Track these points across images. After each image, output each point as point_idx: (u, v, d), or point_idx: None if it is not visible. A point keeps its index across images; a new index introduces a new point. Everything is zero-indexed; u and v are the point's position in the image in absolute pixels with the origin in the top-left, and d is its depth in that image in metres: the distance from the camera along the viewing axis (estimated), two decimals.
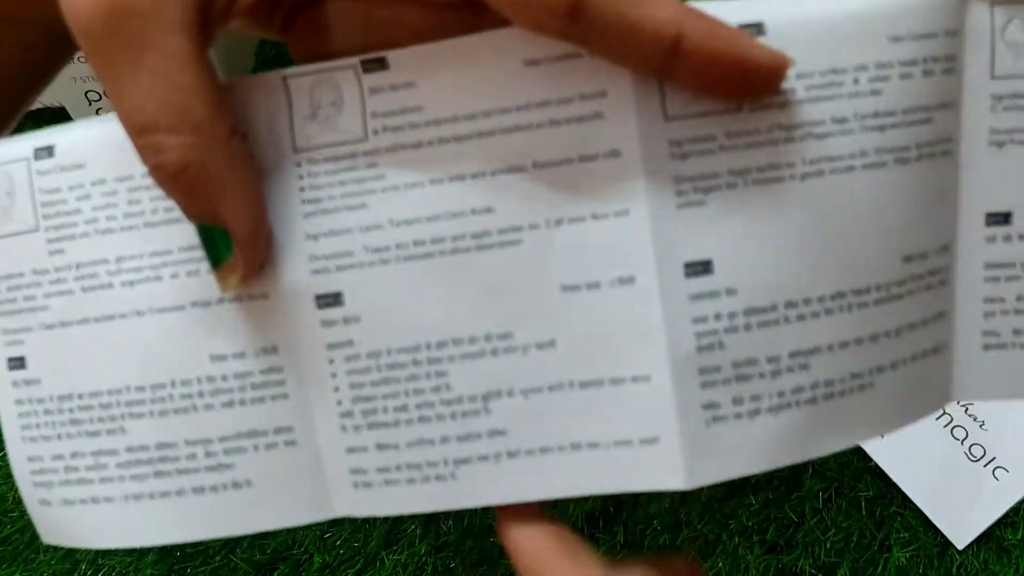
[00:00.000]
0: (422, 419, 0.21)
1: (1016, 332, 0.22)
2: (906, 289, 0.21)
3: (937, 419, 0.48)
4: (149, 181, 0.21)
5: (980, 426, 0.47)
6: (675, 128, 0.20)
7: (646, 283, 0.20)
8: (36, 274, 0.22)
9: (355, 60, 0.20)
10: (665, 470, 0.20)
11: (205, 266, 0.21)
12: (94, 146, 0.22)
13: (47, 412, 0.22)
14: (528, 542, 0.21)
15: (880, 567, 0.44)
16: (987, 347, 0.22)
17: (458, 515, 0.47)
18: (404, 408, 0.21)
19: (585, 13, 0.17)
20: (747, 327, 0.20)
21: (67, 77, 0.55)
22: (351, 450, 0.21)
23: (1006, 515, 0.45)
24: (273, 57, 0.60)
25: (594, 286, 0.20)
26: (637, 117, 0.20)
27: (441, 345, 0.21)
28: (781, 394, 0.21)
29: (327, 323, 0.21)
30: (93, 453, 0.22)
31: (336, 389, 0.21)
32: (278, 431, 0.21)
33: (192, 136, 0.18)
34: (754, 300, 0.20)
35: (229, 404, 0.21)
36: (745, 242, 0.20)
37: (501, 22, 0.19)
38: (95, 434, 0.22)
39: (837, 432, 0.21)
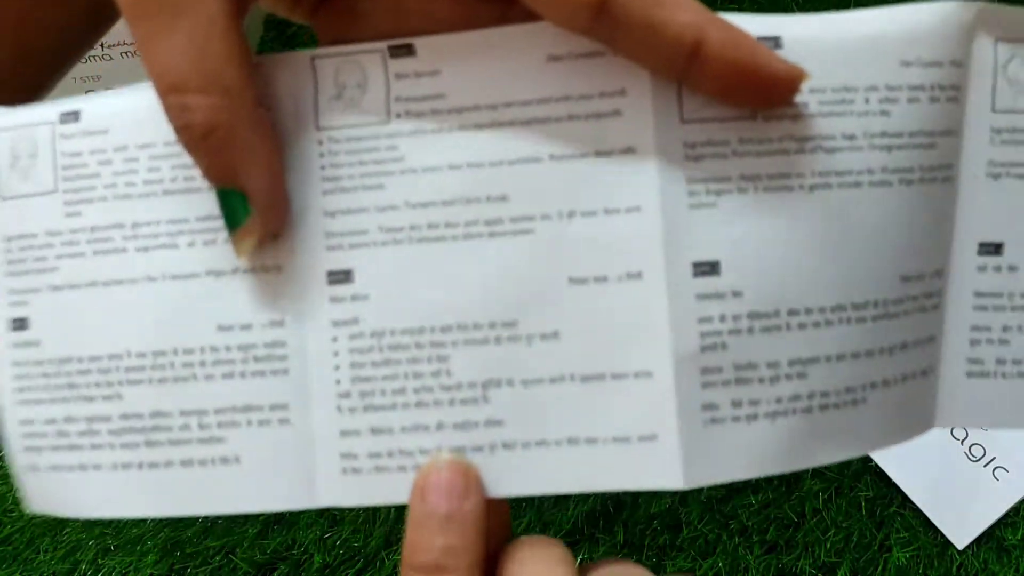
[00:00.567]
0: (419, 404, 0.21)
1: (999, 361, 0.23)
2: (902, 308, 0.22)
3: None
4: (170, 150, 0.21)
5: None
6: (690, 130, 0.20)
7: (654, 279, 0.20)
8: (49, 235, 0.22)
9: (383, 45, 0.21)
10: (663, 469, 0.20)
11: (222, 235, 0.21)
12: (119, 113, 0.22)
13: (44, 375, 0.22)
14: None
15: (880, 567, 0.44)
16: (970, 374, 0.23)
17: None
18: (402, 391, 0.21)
19: (611, 11, 0.18)
20: (750, 330, 0.20)
21: (67, 76, 0.55)
22: (344, 433, 0.21)
23: (1006, 515, 0.45)
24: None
25: (602, 280, 0.21)
26: (654, 117, 0.20)
27: (445, 329, 0.21)
28: (779, 400, 0.21)
29: (336, 300, 0.21)
30: (87, 419, 0.22)
31: (336, 368, 0.21)
32: (273, 407, 0.21)
33: (221, 98, 0.19)
34: (758, 304, 0.20)
35: (229, 375, 0.21)
36: (753, 246, 0.20)
37: (528, 16, 0.20)
38: (90, 399, 0.22)
39: (828, 445, 0.21)
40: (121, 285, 0.22)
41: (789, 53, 0.20)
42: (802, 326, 0.21)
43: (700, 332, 0.20)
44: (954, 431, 0.47)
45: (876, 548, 0.45)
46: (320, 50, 0.21)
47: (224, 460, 0.22)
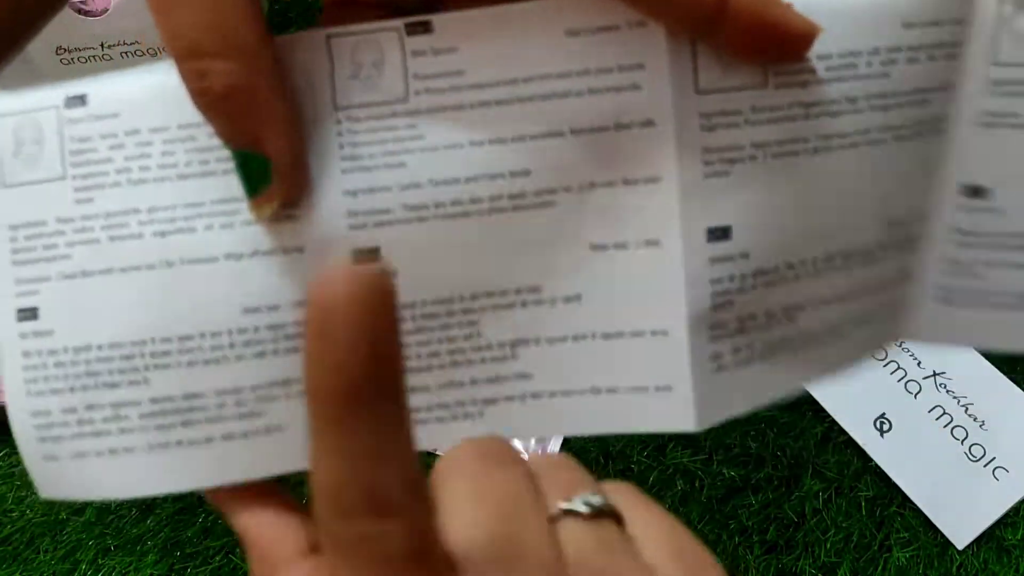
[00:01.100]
0: (454, 363, 0.22)
1: (971, 292, 0.24)
2: (887, 252, 0.23)
3: (937, 419, 0.48)
4: (184, 133, 0.21)
5: (980, 426, 0.47)
6: (705, 101, 0.21)
7: (671, 246, 0.21)
8: (60, 222, 0.22)
9: (399, 22, 0.21)
10: (678, 414, 0.22)
11: (239, 218, 0.21)
12: (129, 96, 0.22)
13: (58, 364, 0.22)
14: (259, 528, 0.21)
15: (880, 567, 0.44)
16: (939, 299, 0.24)
17: None
18: (436, 354, 0.22)
19: None
20: (754, 287, 0.22)
21: (68, 77, 0.55)
22: None
23: (1006, 515, 0.45)
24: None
25: (622, 246, 0.21)
26: (672, 89, 0.21)
27: (474, 297, 0.22)
28: (770, 344, 0.22)
29: None
30: (112, 405, 0.22)
31: None
32: None
33: (238, 61, 0.18)
34: (763, 262, 0.22)
35: (261, 355, 0.22)
36: (760, 210, 0.21)
37: None
38: (114, 385, 0.22)
39: (811, 373, 0.23)
40: (139, 271, 0.22)
41: None
42: (797, 277, 0.22)
43: (712, 293, 0.21)
44: (954, 431, 0.47)
45: (876, 548, 0.44)
46: (336, 28, 0.21)
47: (267, 430, 0.22)
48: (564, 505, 0.20)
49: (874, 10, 0.21)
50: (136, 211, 0.22)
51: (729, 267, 0.21)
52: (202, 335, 0.22)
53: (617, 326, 0.22)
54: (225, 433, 0.22)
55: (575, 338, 0.22)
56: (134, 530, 0.47)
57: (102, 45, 0.52)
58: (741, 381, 0.22)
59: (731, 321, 0.22)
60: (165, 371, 0.22)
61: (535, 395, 0.22)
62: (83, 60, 0.53)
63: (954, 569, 0.44)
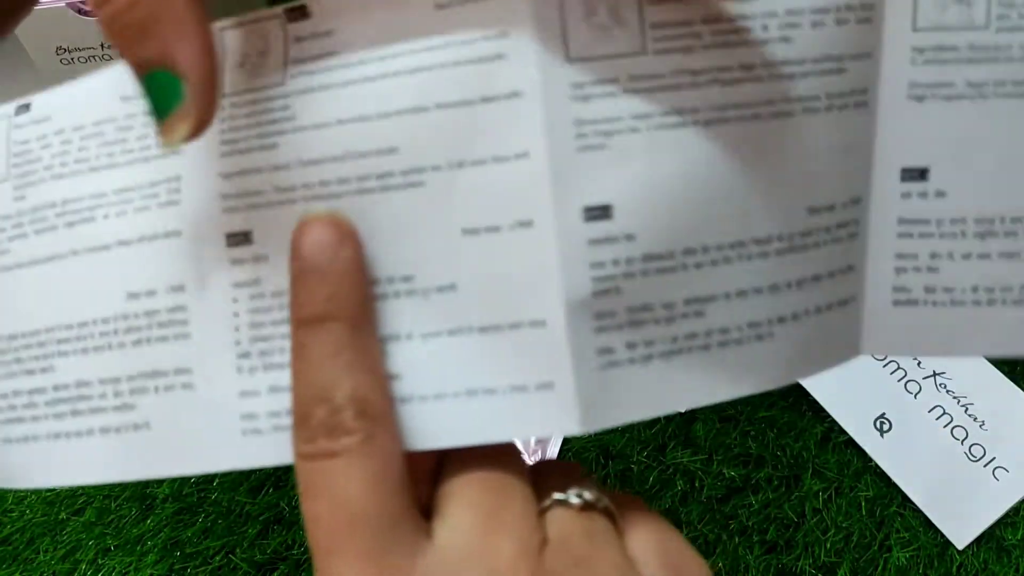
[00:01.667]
0: None
1: (928, 289, 0.22)
2: (812, 240, 0.21)
3: (937, 419, 0.48)
4: (97, 129, 0.22)
5: (980, 426, 0.47)
6: (577, 70, 0.20)
7: (544, 227, 0.20)
8: (2, 220, 0.23)
9: (280, 10, 0.21)
10: (560, 415, 0.20)
11: (132, 206, 0.22)
12: (61, 100, 0.23)
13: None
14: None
15: (880, 567, 0.44)
16: (897, 303, 0.22)
17: None
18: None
19: None
20: (644, 273, 0.20)
21: (67, 77, 0.55)
22: (244, 394, 0.21)
23: (1006, 515, 0.45)
24: None
25: (494, 229, 0.20)
26: (538, 57, 0.20)
27: None
28: (674, 339, 0.20)
29: (236, 261, 0.21)
30: (28, 391, 0.23)
31: (236, 329, 0.21)
32: (178, 372, 0.21)
33: None
34: (652, 246, 0.20)
35: (137, 343, 0.22)
36: (646, 188, 0.20)
37: None
38: (31, 372, 0.23)
39: (732, 379, 0.21)
40: (52, 261, 0.22)
41: None
42: (699, 265, 0.20)
43: (592, 278, 0.20)
44: (954, 431, 0.47)
45: (876, 548, 0.44)
46: (225, 20, 0.21)
47: (136, 426, 0.22)
48: (557, 496, 0.20)
49: None
50: (53, 204, 0.22)
51: (611, 250, 0.20)
52: (95, 321, 0.22)
53: (494, 318, 0.20)
54: (103, 426, 0.22)
55: (450, 332, 0.20)
56: (134, 530, 0.47)
57: (102, 45, 0.52)
58: (640, 381, 0.20)
59: (620, 311, 0.20)
60: (66, 358, 0.22)
61: (405, 399, 0.20)
62: (83, 60, 0.53)
63: (954, 569, 0.44)
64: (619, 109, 0.20)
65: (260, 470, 0.48)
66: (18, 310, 0.23)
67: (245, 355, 0.21)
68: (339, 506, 0.18)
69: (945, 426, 0.47)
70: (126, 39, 0.18)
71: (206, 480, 0.48)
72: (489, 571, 0.18)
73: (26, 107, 0.23)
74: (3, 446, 0.23)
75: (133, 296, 0.22)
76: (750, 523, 0.45)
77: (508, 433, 0.20)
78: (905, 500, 0.46)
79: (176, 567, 0.46)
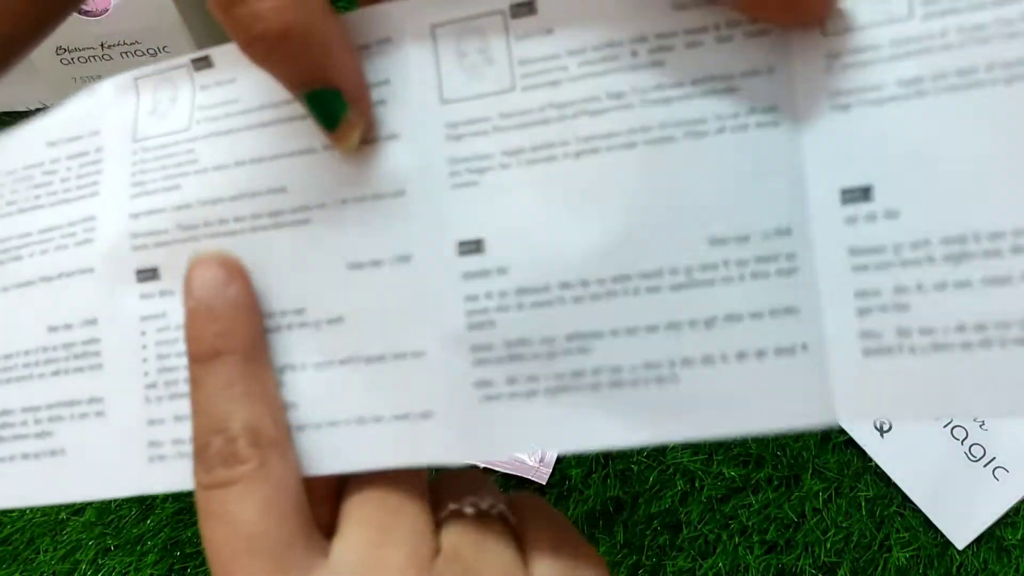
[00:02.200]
0: None
1: (902, 332, 0.18)
2: (719, 275, 0.19)
3: (937, 419, 0.48)
4: (27, 172, 0.24)
5: (980, 426, 0.47)
6: (451, 110, 0.21)
7: (421, 261, 0.21)
8: None
9: (187, 59, 0.22)
10: (440, 444, 0.21)
11: (53, 244, 0.23)
12: (5, 143, 0.25)
13: None
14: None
15: (880, 567, 0.44)
16: (868, 352, 0.19)
17: None
18: None
19: None
20: (519, 306, 0.20)
21: (67, 77, 0.55)
22: (151, 422, 0.22)
23: (1006, 515, 0.45)
24: None
25: (377, 264, 0.21)
26: (417, 101, 0.21)
27: None
28: (559, 376, 0.20)
29: (145, 296, 0.22)
30: None
31: (145, 360, 0.22)
32: (91, 400, 0.23)
33: None
34: (527, 280, 0.20)
35: (56, 373, 0.23)
36: (518, 222, 0.20)
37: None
38: None
39: (633, 423, 0.20)
40: None
41: (545, 13, 0.20)
42: (578, 299, 0.20)
43: (466, 311, 0.20)
44: (954, 431, 0.47)
45: (876, 548, 0.44)
46: (142, 70, 0.23)
47: (52, 453, 0.23)
48: (452, 506, 0.21)
49: None
50: None
51: (484, 283, 0.20)
52: (19, 353, 0.24)
53: (379, 349, 0.21)
54: (24, 452, 0.23)
55: (341, 362, 0.21)
56: (134, 530, 0.47)
57: (102, 45, 0.52)
58: (523, 416, 0.20)
59: (497, 344, 0.20)
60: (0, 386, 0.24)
61: (300, 427, 0.21)
62: (83, 60, 0.53)
63: (954, 569, 0.44)
64: (490, 146, 0.20)
65: None
66: None
67: (152, 385, 0.22)
68: (235, 531, 0.19)
69: (945, 426, 0.47)
70: (283, 67, 0.19)
71: None
72: None
73: None
74: None
75: (53, 329, 0.23)
76: (750, 523, 0.45)
77: (395, 460, 0.21)
78: (905, 500, 0.46)
79: (176, 567, 0.46)
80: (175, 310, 0.22)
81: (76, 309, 0.23)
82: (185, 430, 0.22)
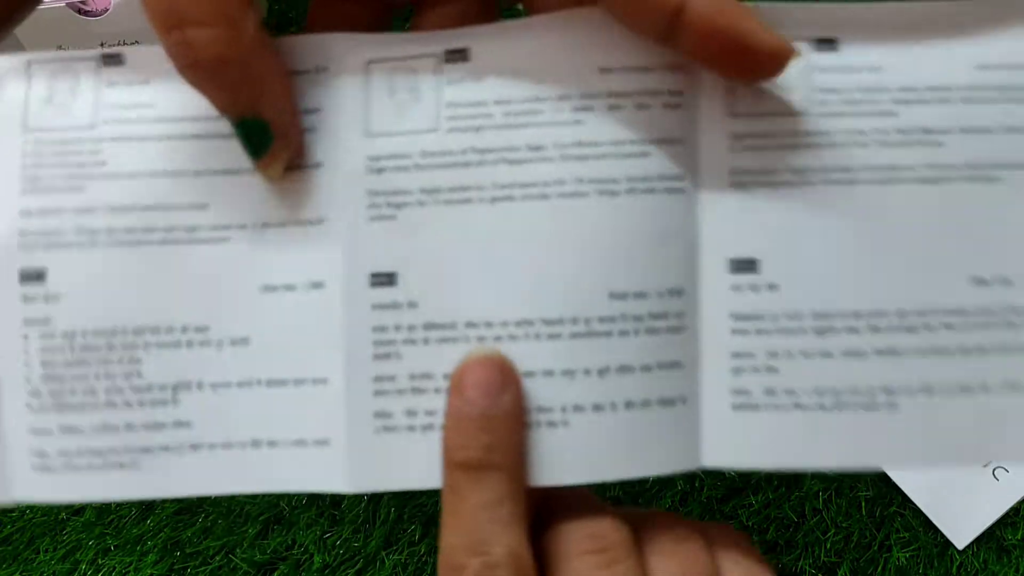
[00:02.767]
0: (109, 404, 0.22)
1: (768, 392, 0.21)
2: (617, 328, 0.20)
3: None
4: None
5: None
6: (374, 144, 0.21)
7: (334, 289, 0.21)
8: None
9: (96, 53, 0.22)
10: (330, 472, 0.21)
11: None
12: None
13: None
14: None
15: (880, 567, 0.44)
16: (737, 407, 0.21)
17: None
18: (93, 392, 0.22)
19: None
20: (426, 341, 0.21)
21: None
22: (35, 431, 0.22)
23: (1006, 515, 0.45)
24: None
25: (290, 288, 0.21)
26: (344, 132, 0.21)
27: (138, 332, 0.21)
28: None
29: (27, 299, 0.22)
30: None
31: (27, 366, 0.22)
32: None
33: (226, 29, 0.18)
34: (435, 315, 0.21)
35: None
36: (429, 258, 0.21)
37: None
38: None
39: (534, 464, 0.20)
40: None
41: (478, 64, 0.21)
42: (481, 339, 0.21)
43: (373, 341, 0.21)
44: None
45: (876, 548, 0.45)
46: (37, 54, 0.22)
47: None
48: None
49: (563, 54, 0.20)
50: None
51: (394, 315, 0.21)
52: None
53: (282, 373, 0.21)
54: None
55: (240, 384, 0.21)
56: (134, 530, 0.47)
57: (102, 45, 0.52)
58: (418, 450, 0.21)
59: (401, 377, 0.21)
60: None
61: (194, 446, 0.21)
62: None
63: (954, 569, 0.44)
64: (410, 183, 0.21)
65: None
66: None
67: (35, 393, 0.22)
68: None
69: None
70: (215, 95, 0.19)
71: None
72: None
73: None
74: None
75: None
76: (750, 523, 0.45)
77: (285, 485, 0.21)
78: (905, 500, 0.46)
79: (176, 567, 0.46)
80: (61, 317, 0.21)
81: None
82: (73, 442, 0.21)
